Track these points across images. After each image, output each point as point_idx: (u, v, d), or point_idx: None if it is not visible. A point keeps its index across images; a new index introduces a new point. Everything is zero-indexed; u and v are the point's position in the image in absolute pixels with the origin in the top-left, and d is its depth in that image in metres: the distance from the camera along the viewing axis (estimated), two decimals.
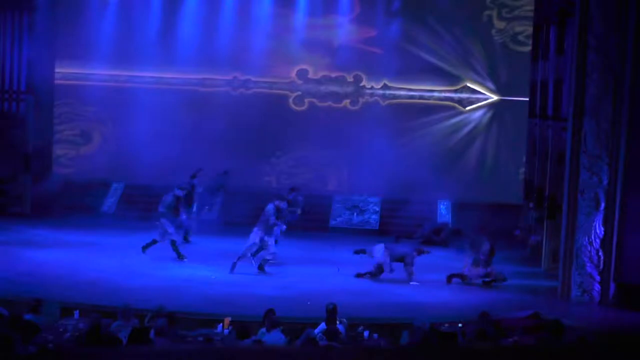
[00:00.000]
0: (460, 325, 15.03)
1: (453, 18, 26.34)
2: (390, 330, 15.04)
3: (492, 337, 13.58)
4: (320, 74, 27.23)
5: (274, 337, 13.62)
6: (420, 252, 19.41)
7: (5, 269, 18.53)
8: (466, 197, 25.03)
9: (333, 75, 27.24)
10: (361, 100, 27.24)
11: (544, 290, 19.11)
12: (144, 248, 20.18)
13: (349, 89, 27.25)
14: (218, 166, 24.71)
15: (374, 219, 25.40)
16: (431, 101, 26.98)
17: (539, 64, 23.36)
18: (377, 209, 25.55)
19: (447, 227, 24.16)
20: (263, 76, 27.04)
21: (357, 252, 19.53)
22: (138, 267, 19.44)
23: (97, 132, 27.20)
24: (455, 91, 26.90)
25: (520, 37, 26.37)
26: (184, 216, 21.32)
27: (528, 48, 25.35)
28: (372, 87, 27.18)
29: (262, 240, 19.23)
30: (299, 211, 21.59)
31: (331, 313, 14.30)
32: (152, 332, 13.16)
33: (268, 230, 19.32)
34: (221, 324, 14.95)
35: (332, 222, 25.39)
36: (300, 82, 27.24)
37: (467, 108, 26.96)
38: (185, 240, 21.74)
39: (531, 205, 23.09)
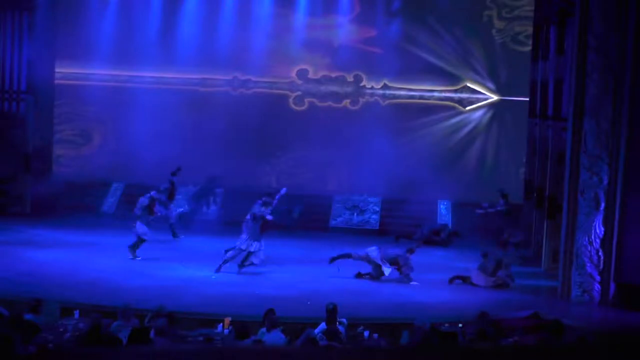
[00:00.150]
0: (460, 325, 15.03)
1: (453, 18, 26.35)
2: (390, 330, 15.04)
3: (492, 337, 13.58)
4: (320, 74, 27.24)
5: (274, 337, 13.62)
6: (412, 252, 19.41)
7: (5, 269, 18.53)
8: (466, 197, 25.04)
9: (333, 75, 27.25)
10: (361, 100, 27.25)
11: (544, 290, 19.12)
12: (132, 250, 20.19)
13: (349, 89, 27.25)
14: (218, 166, 24.74)
15: (374, 219, 25.40)
16: (431, 101, 26.99)
17: (539, 64, 23.35)
18: (377, 209, 25.54)
19: (446, 228, 24.17)
20: (263, 76, 27.05)
21: (333, 260, 19.33)
22: (138, 267, 19.45)
23: (97, 132, 27.21)
24: (455, 91, 26.90)
25: (520, 37, 26.37)
26: (163, 212, 21.51)
27: (528, 48, 25.35)
28: (372, 87, 27.19)
29: (248, 247, 19.14)
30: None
31: (331, 313, 14.30)
32: (152, 332, 13.16)
33: (254, 234, 19.18)
34: (221, 324, 14.95)
35: (332, 222, 25.39)
36: (300, 82, 27.25)
37: (467, 108, 26.97)
38: (174, 236, 21.89)
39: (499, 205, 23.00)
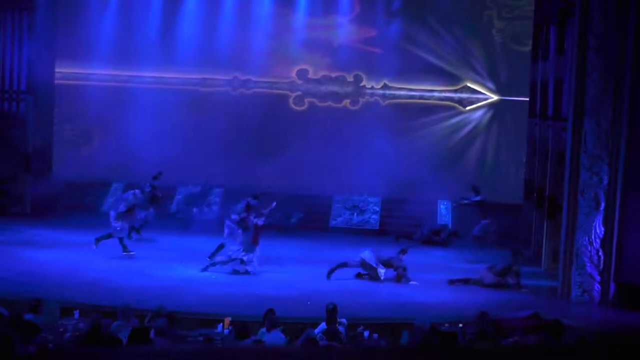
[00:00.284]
0: (460, 325, 15.03)
1: (453, 18, 26.35)
2: (390, 330, 15.04)
3: (492, 337, 13.58)
4: (320, 74, 27.24)
5: (274, 337, 13.62)
6: (404, 252, 19.42)
7: (5, 269, 18.52)
8: (466, 197, 25.06)
9: (333, 75, 27.25)
10: (361, 100, 27.25)
11: (544, 290, 19.11)
12: (124, 249, 20.21)
13: (349, 89, 27.25)
14: (218, 166, 24.75)
15: (374, 219, 25.39)
16: (431, 101, 26.99)
17: (539, 64, 23.35)
18: (377, 209, 25.53)
19: (446, 228, 24.16)
20: (263, 76, 27.06)
21: (330, 273, 19.21)
22: (138, 267, 19.45)
23: (97, 132, 27.20)
24: (455, 91, 26.90)
25: (520, 37, 26.37)
26: (142, 214, 21.66)
27: (528, 48, 25.33)
28: (372, 87, 27.19)
29: (240, 257, 19.14)
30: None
31: (331, 313, 14.30)
32: (152, 332, 13.16)
33: (247, 245, 19.17)
34: (221, 324, 14.95)
35: (332, 222, 25.38)
36: (300, 82, 27.25)
37: (467, 108, 26.97)
38: (137, 232, 21.98)
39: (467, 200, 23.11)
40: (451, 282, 19.13)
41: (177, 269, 19.40)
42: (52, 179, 25.75)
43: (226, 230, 20.35)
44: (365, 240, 22.67)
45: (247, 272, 19.11)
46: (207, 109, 26.25)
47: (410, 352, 7.97)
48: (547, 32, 22.49)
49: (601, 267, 17.80)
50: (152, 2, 26.62)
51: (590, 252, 17.84)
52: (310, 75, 27.23)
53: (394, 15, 26.60)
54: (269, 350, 9.00)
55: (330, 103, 27.27)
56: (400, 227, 24.43)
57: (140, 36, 26.33)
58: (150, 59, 26.28)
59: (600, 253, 17.81)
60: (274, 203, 19.88)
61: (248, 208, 19.67)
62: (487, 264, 19.49)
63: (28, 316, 13.94)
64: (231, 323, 14.80)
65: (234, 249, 19.28)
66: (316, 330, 13.90)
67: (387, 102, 27.14)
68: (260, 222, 19.35)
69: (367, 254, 19.27)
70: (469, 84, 26.79)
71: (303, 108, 27.32)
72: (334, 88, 27.24)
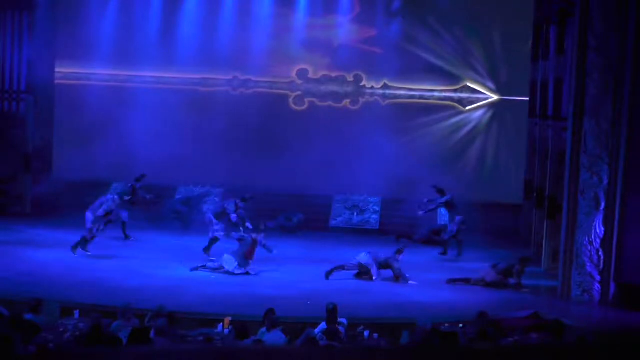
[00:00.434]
0: (460, 325, 15.02)
1: (453, 18, 26.33)
2: (390, 330, 15.02)
3: (492, 337, 13.57)
4: (320, 73, 27.23)
5: (274, 337, 13.63)
6: (400, 252, 19.43)
7: (5, 269, 18.52)
8: (466, 197, 25.00)
9: (333, 75, 27.25)
10: (361, 100, 27.24)
11: (544, 290, 19.11)
12: (74, 248, 20.13)
13: (349, 89, 27.25)
14: (218, 166, 24.73)
15: (374, 218, 25.38)
16: (431, 101, 26.99)
17: (539, 64, 23.35)
18: (377, 209, 25.53)
19: (446, 228, 24.12)
20: (263, 76, 27.05)
21: (328, 275, 19.20)
22: (138, 267, 19.45)
23: (97, 132, 27.14)
24: (455, 91, 26.90)
25: (520, 37, 26.34)
26: (125, 213, 21.87)
27: (528, 48, 25.33)
28: (372, 87, 27.19)
29: (234, 270, 19.16)
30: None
31: (331, 313, 14.30)
32: (152, 332, 13.16)
33: (241, 260, 19.19)
34: (221, 324, 14.95)
35: (332, 222, 25.37)
36: (300, 82, 27.24)
37: (467, 108, 26.96)
38: (126, 236, 22.01)
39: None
40: (451, 281, 19.13)
41: (177, 269, 19.40)
42: (52, 179, 25.76)
43: (215, 227, 20.42)
44: (365, 240, 22.67)
45: (247, 273, 19.12)
46: (207, 109, 26.25)
47: (410, 352, 7.97)
48: (547, 32, 22.49)
49: (601, 267, 17.81)
50: (152, 2, 26.61)
51: (590, 252, 17.84)
52: (310, 75, 27.23)
53: (394, 15, 26.59)
54: (269, 350, 9.00)
55: (330, 103, 27.26)
56: (400, 227, 24.41)
57: (140, 36, 26.32)
58: (150, 59, 26.27)
59: (600, 253, 17.81)
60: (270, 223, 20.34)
61: (237, 209, 19.93)
62: (486, 263, 19.50)
63: (28, 316, 13.94)
64: (231, 323, 14.80)
65: (228, 259, 19.16)
66: (316, 330, 13.90)
67: (387, 102, 27.14)
68: (260, 237, 19.46)
69: (363, 257, 19.29)
70: (469, 84, 26.79)
71: (303, 108, 27.31)
72: (334, 88, 27.24)
